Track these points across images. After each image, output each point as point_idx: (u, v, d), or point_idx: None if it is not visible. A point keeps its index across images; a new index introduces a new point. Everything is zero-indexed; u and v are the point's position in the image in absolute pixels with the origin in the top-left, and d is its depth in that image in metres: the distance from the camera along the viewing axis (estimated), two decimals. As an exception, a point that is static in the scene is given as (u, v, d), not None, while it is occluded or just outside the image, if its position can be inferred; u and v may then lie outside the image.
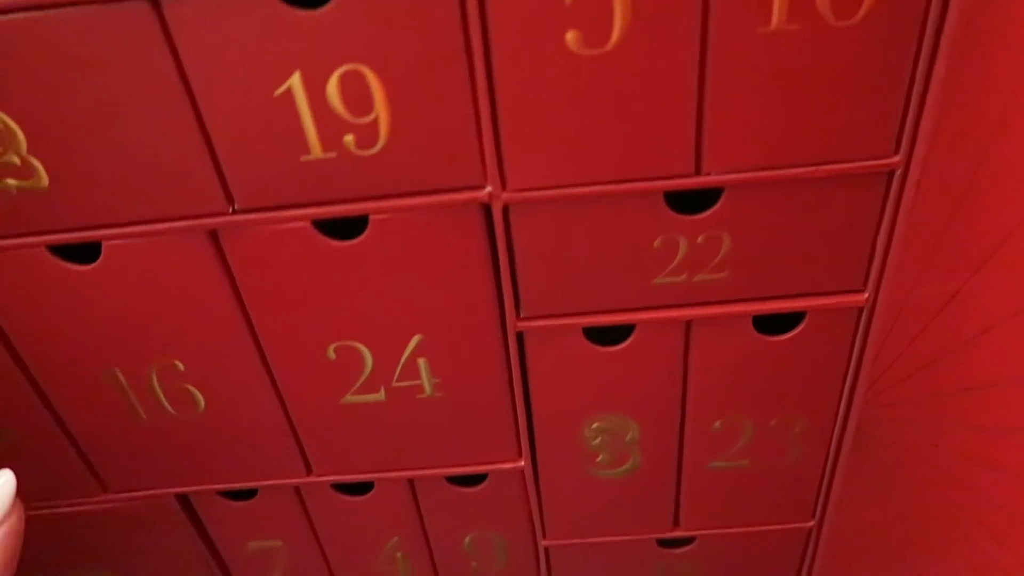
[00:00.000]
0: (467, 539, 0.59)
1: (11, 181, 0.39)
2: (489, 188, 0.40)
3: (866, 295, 0.45)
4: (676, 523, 0.59)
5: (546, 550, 0.60)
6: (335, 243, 0.41)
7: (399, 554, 0.60)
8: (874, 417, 0.48)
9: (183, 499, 0.56)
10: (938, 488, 0.40)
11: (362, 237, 0.41)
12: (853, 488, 0.53)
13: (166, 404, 0.49)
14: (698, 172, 0.39)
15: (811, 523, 0.58)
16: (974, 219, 0.37)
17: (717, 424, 0.51)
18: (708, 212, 0.41)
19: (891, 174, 0.40)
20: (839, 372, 0.48)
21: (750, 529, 0.59)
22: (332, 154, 0.38)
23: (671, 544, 0.61)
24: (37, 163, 0.38)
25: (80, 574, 0.60)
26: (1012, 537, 0.34)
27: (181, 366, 0.47)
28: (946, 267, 0.39)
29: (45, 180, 0.39)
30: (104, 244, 0.41)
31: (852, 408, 0.50)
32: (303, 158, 0.38)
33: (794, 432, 0.51)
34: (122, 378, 0.47)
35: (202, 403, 0.49)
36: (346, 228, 0.42)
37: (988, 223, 0.36)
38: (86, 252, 0.42)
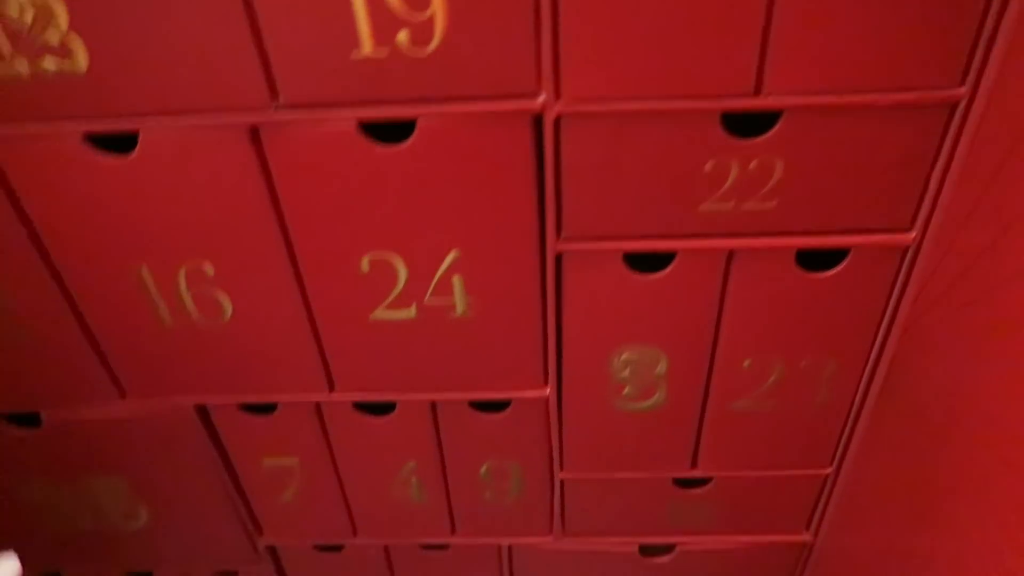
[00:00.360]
0: (484, 467, 0.59)
1: (48, 62, 0.38)
2: (543, 96, 0.38)
3: (913, 234, 0.44)
4: (694, 463, 0.58)
5: (562, 483, 0.60)
6: (380, 148, 0.40)
7: (414, 479, 0.60)
8: (905, 360, 0.48)
9: (202, 411, 0.55)
10: (966, 436, 0.40)
11: (408, 142, 0.40)
12: (875, 437, 0.53)
13: (192, 309, 0.48)
14: (758, 93, 0.38)
15: (828, 470, 0.58)
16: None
17: (747, 362, 0.51)
18: (764, 136, 0.40)
19: (954, 106, 0.39)
20: (876, 313, 0.47)
21: (767, 473, 0.59)
22: (384, 52, 0.37)
23: (687, 484, 0.61)
24: (77, 42, 0.37)
25: (93, 481, 0.60)
26: None
27: (211, 270, 0.46)
28: (994, 211, 0.38)
29: (84, 62, 0.38)
30: (141, 134, 0.40)
31: (885, 350, 0.49)
32: (353, 55, 0.37)
33: (824, 374, 0.51)
34: (149, 278, 0.46)
35: (229, 311, 0.48)
36: (392, 134, 0.40)
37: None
38: (122, 143, 0.41)
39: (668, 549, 0.66)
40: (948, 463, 0.43)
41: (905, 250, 0.45)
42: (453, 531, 0.65)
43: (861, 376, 0.51)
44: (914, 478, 0.46)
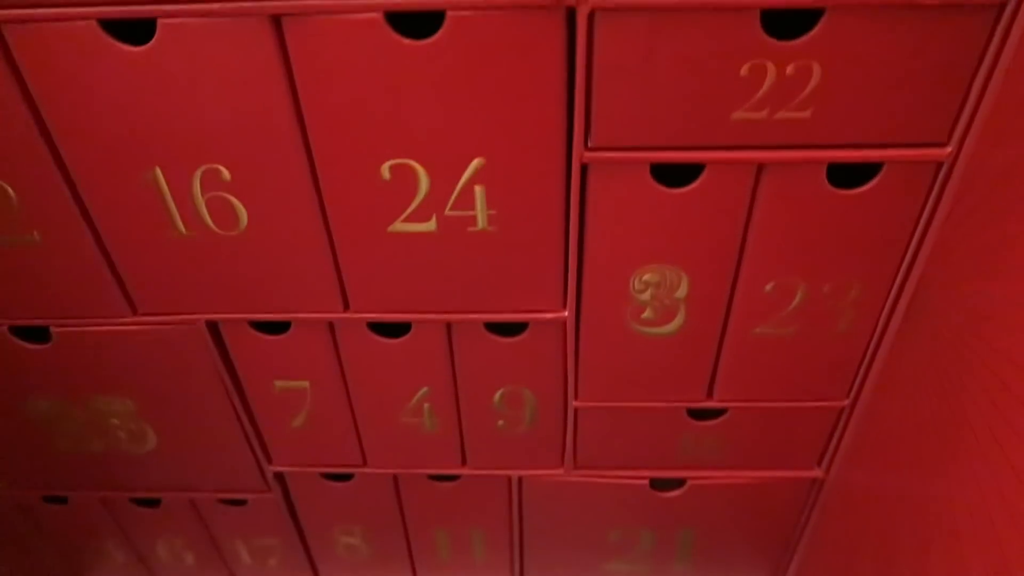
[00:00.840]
0: (498, 394, 0.58)
1: (64, -59, 0.36)
2: (578, -12, 0.37)
3: (949, 149, 0.43)
4: (710, 393, 0.58)
5: (576, 411, 0.60)
6: (407, 41, 0.39)
7: (427, 405, 0.59)
8: (930, 286, 0.47)
9: (213, 328, 0.54)
10: (980, 380, 0.39)
11: (436, 36, 0.39)
12: (893, 371, 0.53)
13: (206, 217, 0.47)
14: (801, -11, 0.37)
15: (845, 402, 0.58)
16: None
17: (769, 286, 0.50)
18: (804, 37, 0.38)
19: (1002, 7, 0.37)
20: (906, 233, 0.47)
21: (783, 404, 0.58)
22: (416, -67, 0.35)
23: (700, 416, 0.60)
24: (96, -81, 0.36)
25: (101, 400, 0.59)
26: None
27: (227, 174, 0.45)
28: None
29: (102, -57, 0.36)
30: (159, 22, 0.39)
31: (912, 274, 0.48)
32: (384, -65, 0.36)
33: (847, 299, 0.50)
34: (163, 182, 0.45)
35: (244, 219, 0.47)
36: (419, 29, 0.39)
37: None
38: (139, 32, 0.39)
39: (679, 483, 0.66)
40: (969, 401, 0.42)
41: (939, 166, 0.44)
42: (464, 462, 0.65)
43: (885, 302, 0.51)
44: (932, 417, 0.46)
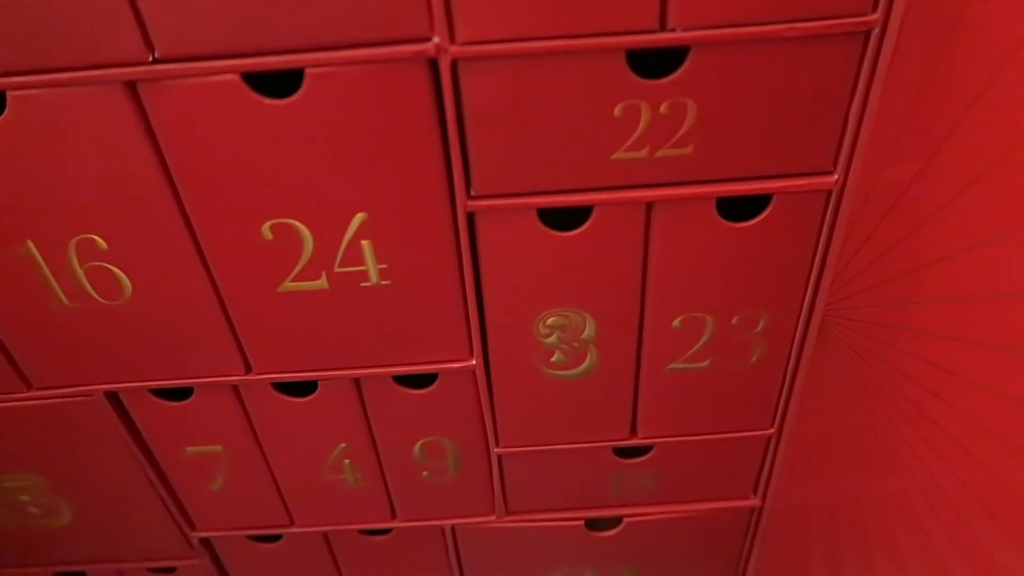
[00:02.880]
0: (417, 446, 0.57)
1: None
2: (436, 39, 0.36)
3: (835, 176, 0.42)
4: (633, 430, 0.57)
5: (499, 458, 0.58)
6: (268, 101, 0.38)
7: (347, 461, 0.58)
8: (836, 316, 0.46)
9: (113, 397, 0.53)
10: (902, 375, 0.39)
11: (297, 95, 0.38)
12: (812, 395, 0.52)
13: (88, 288, 0.45)
14: (663, 28, 0.36)
15: (771, 431, 0.57)
16: (946, 87, 0.35)
17: (677, 321, 0.49)
18: (673, 75, 0.38)
19: (867, 34, 0.37)
20: (805, 261, 0.46)
21: (709, 437, 0.57)
22: (261, -7, 0.34)
23: (628, 454, 0.59)
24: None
25: (8, 479, 0.57)
26: (967, 439, 0.33)
27: (103, 243, 0.43)
28: (915, 145, 0.37)
29: (-61, 19, 0.35)
30: (9, 95, 0.37)
31: (817, 301, 0.48)
32: (229, -3, 0.35)
33: (756, 330, 0.50)
34: (38, 254, 0.43)
35: (129, 288, 0.45)
36: (281, 87, 0.38)
37: (960, 88, 0.34)
38: (-10, 106, 0.38)
39: (615, 522, 0.65)
40: (883, 414, 0.41)
41: (829, 193, 0.43)
42: (393, 515, 0.63)
43: (795, 331, 0.50)
44: (855, 431, 0.45)
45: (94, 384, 0.51)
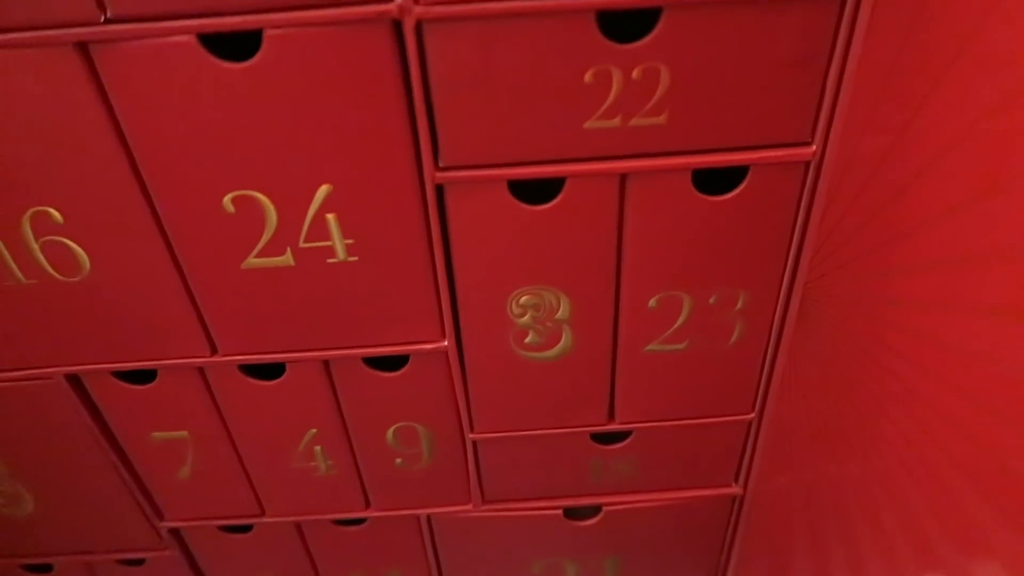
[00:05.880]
0: (390, 432, 0.56)
1: None
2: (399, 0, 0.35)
3: (814, 147, 0.41)
4: (611, 415, 0.55)
5: (475, 445, 0.57)
6: (225, 64, 0.36)
7: (318, 448, 0.56)
8: (817, 291, 0.45)
9: (74, 380, 0.51)
10: (885, 351, 0.38)
11: (256, 58, 0.36)
12: (793, 376, 0.51)
13: (45, 263, 0.44)
14: (633, -12, 0.35)
15: (751, 415, 0.56)
16: (922, 52, 0.34)
17: (653, 301, 0.48)
18: (645, 39, 0.37)
19: (845, -4, 0.36)
20: (784, 236, 0.45)
21: (689, 422, 0.56)
22: (216, -52, 0.33)
23: (606, 439, 0.58)
24: None
25: (-35, 466, 0.55)
26: (954, 411, 0.31)
27: (58, 216, 0.42)
28: (893, 113, 0.36)
29: None
30: (-45, 57, 0.36)
31: (797, 276, 0.47)
32: (182, -47, 0.33)
33: (735, 309, 0.48)
34: (-10, 229, 0.42)
35: (87, 264, 0.44)
36: (239, 50, 0.37)
37: (937, 53, 0.33)
38: (-65, 69, 0.36)
39: (595, 511, 0.63)
40: (866, 392, 0.40)
41: (807, 165, 0.42)
42: (367, 504, 0.62)
43: (774, 309, 0.49)
44: (837, 406, 0.44)
45: (54, 366, 0.50)
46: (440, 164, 0.41)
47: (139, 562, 0.66)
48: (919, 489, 0.35)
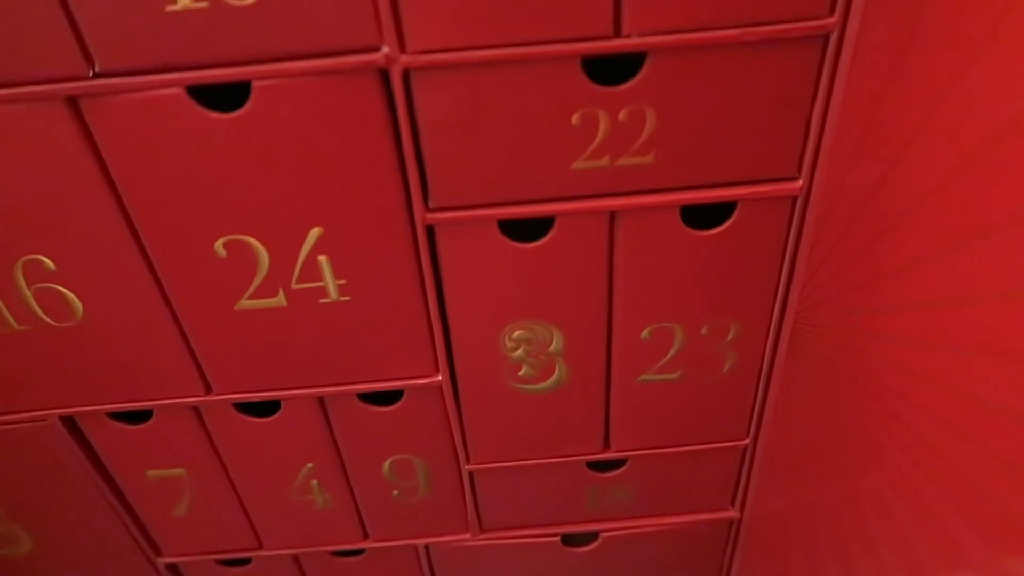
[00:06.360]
0: (386, 464, 0.56)
1: None
2: (386, 49, 0.35)
3: (800, 182, 0.41)
4: (607, 444, 0.56)
5: (471, 475, 0.57)
6: (214, 115, 0.37)
7: (314, 482, 0.56)
8: (807, 323, 0.46)
9: (69, 422, 0.51)
10: (872, 380, 0.38)
11: (245, 108, 0.37)
12: (786, 403, 0.51)
13: (38, 310, 0.44)
14: (618, 35, 0.36)
15: (746, 441, 0.56)
16: (908, 90, 0.34)
17: (646, 333, 0.48)
18: (630, 82, 0.37)
19: (826, 37, 0.36)
20: (773, 269, 0.45)
21: (684, 449, 0.56)
22: (203, 2, 0.33)
23: (602, 467, 0.58)
24: None
25: (-39, 508, 0.55)
26: (936, 438, 0.32)
27: (51, 264, 0.42)
28: (879, 149, 0.36)
29: None
30: (-55, 114, 0.36)
31: (787, 309, 0.47)
32: (169, 8, 0.34)
33: (727, 340, 0.49)
34: (-17, 278, 0.42)
35: (80, 309, 0.44)
36: (228, 100, 0.37)
37: (922, 91, 0.33)
38: (-74, 125, 0.37)
39: (592, 537, 0.63)
40: (855, 419, 0.41)
41: (794, 199, 0.42)
42: (365, 535, 0.62)
43: (766, 339, 0.49)
44: (830, 432, 0.45)
45: (49, 408, 0.50)
46: (430, 205, 0.41)
47: (137, 597, 0.66)
48: (907, 510, 0.36)
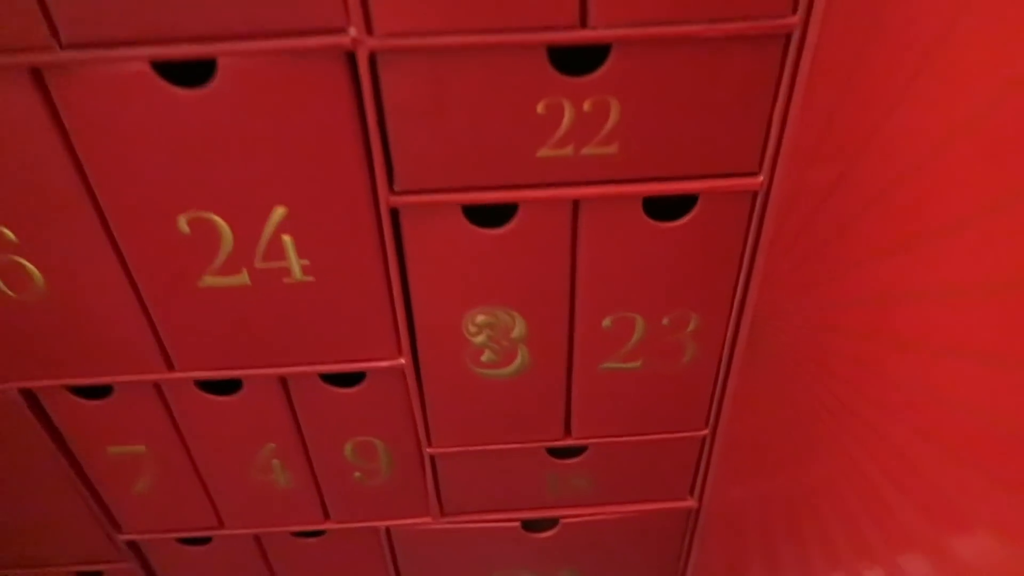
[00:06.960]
0: (348, 446, 0.56)
1: None
2: (353, 32, 0.35)
3: (761, 178, 0.42)
4: (567, 431, 0.56)
5: (432, 459, 0.57)
6: (180, 90, 0.37)
7: (276, 461, 0.57)
8: (767, 316, 0.46)
9: (29, 395, 0.51)
10: (829, 372, 0.39)
11: (210, 85, 0.37)
12: (745, 394, 0.52)
13: (-1, 282, 0.44)
14: (584, 25, 0.36)
15: (705, 431, 0.57)
16: (867, 89, 0.35)
17: (607, 321, 0.49)
18: (595, 73, 0.37)
19: (788, 36, 0.37)
20: (733, 262, 0.46)
21: (644, 437, 0.57)
22: (169, -22, 0.33)
23: (562, 454, 0.58)
24: None
25: (-83, 480, 0.55)
26: (885, 427, 0.33)
27: (12, 235, 0.42)
28: (838, 148, 0.37)
29: None
30: (-95, 80, 0.36)
31: (747, 302, 0.48)
32: (135, -18, 0.33)
33: (688, 331, 0.49)
34: (-58, 247, 0.42)
35: (41, 282, 0.44)
36: (193, 77, 0.37)
37: (881, 90, 0.34)
38: None
39: (552, 523, 0.64)
40: (808, 409, 0.42)
41: (755, 194, 0.43)
42: (326, 516, 0.62)
43: (725, 332, 0.50)
44: (785, 422, 0.46)
45: (8, 381, 0.49)
46: (395, 188, 0.42)
47: (97, 574, 0.66)
48: (858, 496, 0.37)
